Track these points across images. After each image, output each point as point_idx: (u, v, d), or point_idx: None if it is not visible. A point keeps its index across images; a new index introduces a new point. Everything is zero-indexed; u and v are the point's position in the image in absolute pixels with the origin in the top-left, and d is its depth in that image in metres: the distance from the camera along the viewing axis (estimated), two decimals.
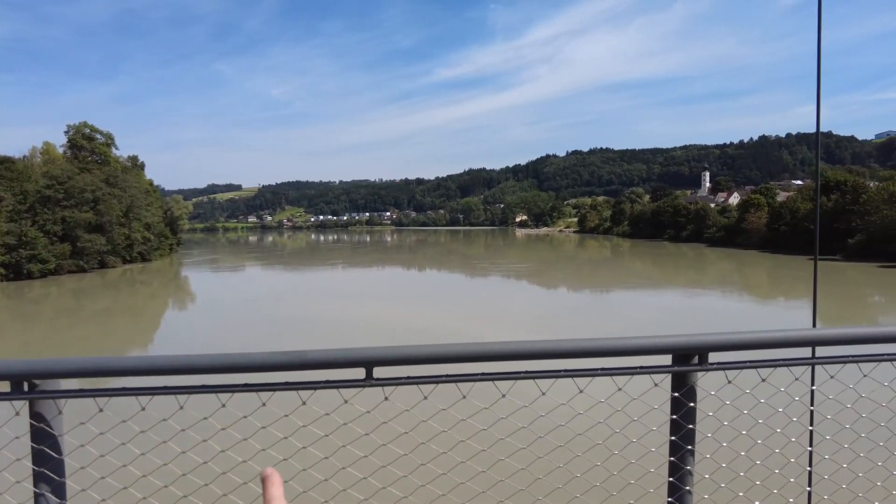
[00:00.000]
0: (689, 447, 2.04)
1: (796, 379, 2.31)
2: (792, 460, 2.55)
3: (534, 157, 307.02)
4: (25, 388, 1.85)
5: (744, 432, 2.38)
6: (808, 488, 2.41)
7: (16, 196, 49.86)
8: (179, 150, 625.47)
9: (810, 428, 2.45)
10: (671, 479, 2.08)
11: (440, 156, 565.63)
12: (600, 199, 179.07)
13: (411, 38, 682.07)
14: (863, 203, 54.51)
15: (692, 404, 2.03)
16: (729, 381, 2.10)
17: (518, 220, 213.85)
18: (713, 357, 2.03)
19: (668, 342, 1.98)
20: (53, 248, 50.77)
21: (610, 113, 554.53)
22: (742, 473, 2.44)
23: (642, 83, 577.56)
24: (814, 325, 2.33)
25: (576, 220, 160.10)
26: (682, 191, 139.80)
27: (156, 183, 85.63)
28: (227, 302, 38.05)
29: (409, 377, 1.94)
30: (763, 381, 2.14)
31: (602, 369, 1.97)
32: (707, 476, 2.33)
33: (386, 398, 2.09)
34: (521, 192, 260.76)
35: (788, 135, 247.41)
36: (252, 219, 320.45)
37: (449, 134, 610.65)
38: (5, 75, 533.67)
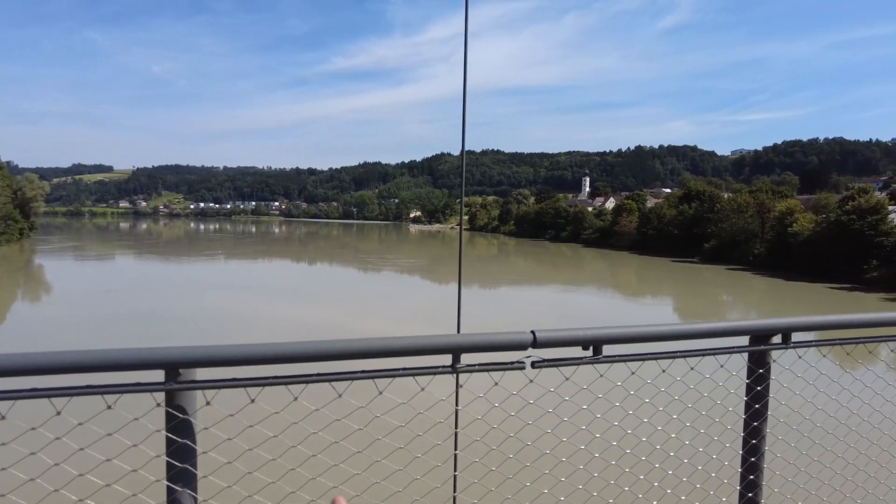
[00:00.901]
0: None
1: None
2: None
3: (429, 154, 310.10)
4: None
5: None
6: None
7: None
8: (37, 124, 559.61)
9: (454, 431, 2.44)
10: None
11: (334, 147, 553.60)
12: (490, 198, 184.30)
13: (307, 24, 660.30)
14: (716, 212, 60.54)
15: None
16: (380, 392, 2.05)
17: (412, 216, 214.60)
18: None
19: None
20: None
21: (502, 116, 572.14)
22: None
23: (532, 90, 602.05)
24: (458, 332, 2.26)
25: (466, 217, 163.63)
26: (563, 194, 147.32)
27: (8, 159, 76.05)
28: (86, 295, 34.51)
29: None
30: (424, 392, 2.06)
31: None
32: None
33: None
34: (416, 188, 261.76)
35: (661, 146, 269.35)
36: (124, 204, 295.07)
37: (344, 125, 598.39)
38: None
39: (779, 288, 42.33)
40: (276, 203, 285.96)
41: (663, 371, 2.28)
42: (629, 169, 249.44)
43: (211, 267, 54.53)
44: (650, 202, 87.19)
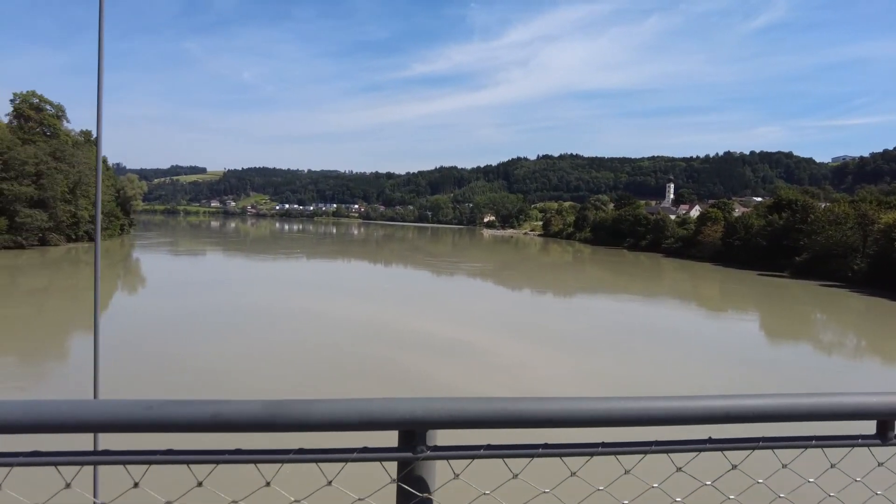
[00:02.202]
0: None
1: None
2: None
3: (504, 159, 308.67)
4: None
5: None
6: None
7: None
8: (141, 128, 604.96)
9: None
10: None
11: (411, 151, 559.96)
12: (567, 204, 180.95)
13: (386, 31, 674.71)
14: (810, 223, 56.12)
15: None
16: None
17: (486, 220, 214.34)
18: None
19: None
20: None
21: (580, 120, 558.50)
22: None
23: (612, 93, 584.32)
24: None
25: (541, 223, 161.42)
26: (645, 200, 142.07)
27: (117, 161, 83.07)
28: (175, 287, 36.82)
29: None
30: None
31: None
32: None
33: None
34: (491, 192, 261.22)
35: (752, 152, 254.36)
36: (215, 203, 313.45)
37: (420, 129, 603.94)
38: None
39: (881, 309, 38.54)
40: (356, 206, 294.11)
41: None
42: (717, 176, 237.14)
43: (292, 265, 56.77)
44: (738, 211, 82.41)
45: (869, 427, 1.64)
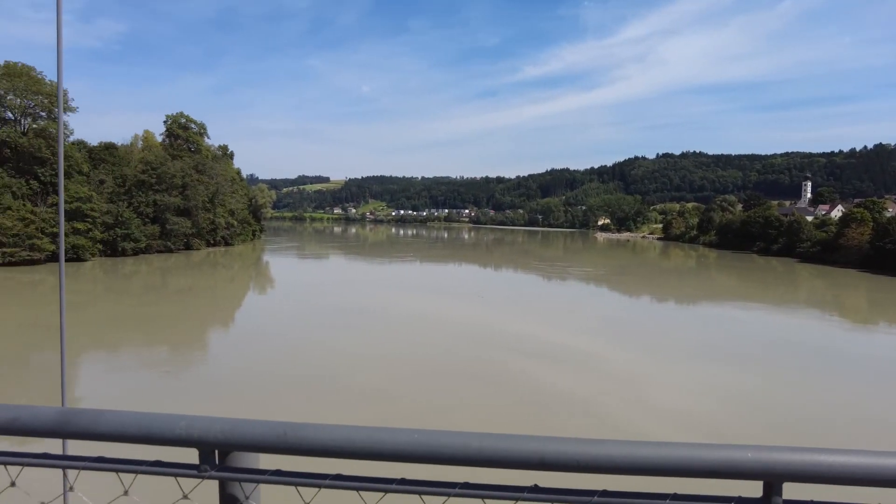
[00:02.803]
0: None
1: None
2: None
3: (620, 159, 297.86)
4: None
5: None
6: None
7: (116, 179, 54.46)
8: (271, 141, 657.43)
9: None
10: None
11: (521, 154, 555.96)
12: (690, 205, 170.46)
13: (497, 37, 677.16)
14: None
15: None
16: None
17: (600, 223, 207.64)
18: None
19: None
20: (145, 228, 55.16)
21: (703, 115, 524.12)
22: None
23: (739, 85, 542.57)
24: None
25: (660, 226, 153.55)
26: (778, 200, 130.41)
27: (251, 172, 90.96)
28: (301, 289, 39.61)
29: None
30: None
31: None
32: None
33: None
34: (606, 194, 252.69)
35: None
36: (337, 210, 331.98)
37: (530, 132, 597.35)
38: (122, 67, 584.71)
39: None
40: (466, 210, 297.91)
41: None
42: (864, 171, 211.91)
43: (406, 268, 58.76)
44: (891, 211, 73.15)
45: (753, 488, 1.32)
